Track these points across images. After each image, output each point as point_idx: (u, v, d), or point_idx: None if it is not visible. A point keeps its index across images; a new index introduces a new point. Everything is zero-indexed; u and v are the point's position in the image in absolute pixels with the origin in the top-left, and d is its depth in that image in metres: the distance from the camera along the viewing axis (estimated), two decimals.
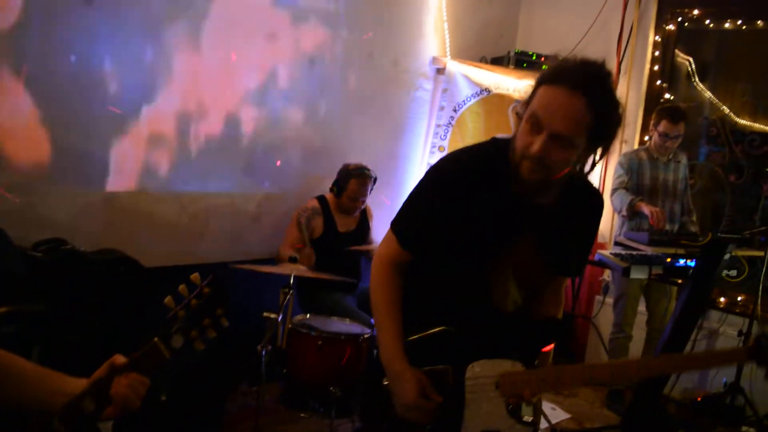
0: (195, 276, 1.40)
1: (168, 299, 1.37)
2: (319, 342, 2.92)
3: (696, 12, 4.71)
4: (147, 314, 3.28)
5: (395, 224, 1.79)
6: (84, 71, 3.11)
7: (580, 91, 1.50)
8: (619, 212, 4.17)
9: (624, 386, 4.21)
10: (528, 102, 1.58)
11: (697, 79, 4.70)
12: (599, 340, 4.67)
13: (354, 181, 3.75)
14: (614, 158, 4.42)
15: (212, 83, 3.61)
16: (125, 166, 3.36)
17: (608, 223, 4.92)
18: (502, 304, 1.78)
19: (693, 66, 4.72)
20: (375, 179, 3.87)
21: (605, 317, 4.61)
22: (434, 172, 1.75)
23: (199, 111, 3.59)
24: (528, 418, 1.68)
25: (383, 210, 4.31)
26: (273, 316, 2.83)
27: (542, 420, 3.44)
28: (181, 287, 1.38)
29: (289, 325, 2.97)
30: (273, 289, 3.06)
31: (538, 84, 1.57)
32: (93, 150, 3.24)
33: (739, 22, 4.54)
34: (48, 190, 3.11)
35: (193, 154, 3.61)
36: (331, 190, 3.84)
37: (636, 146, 4.79)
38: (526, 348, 1.76)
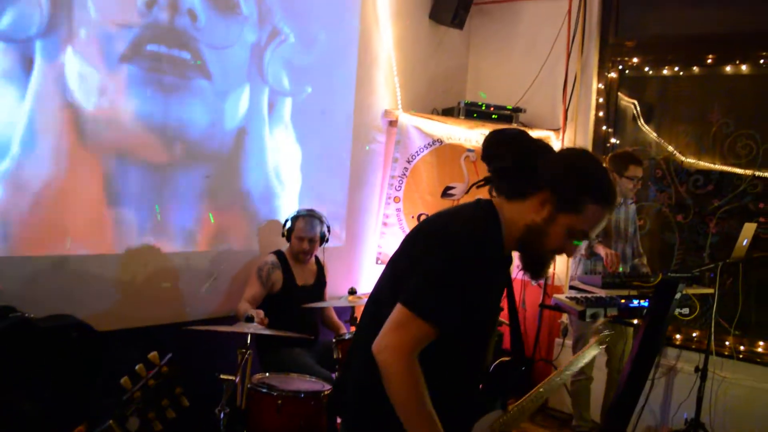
0: (153, 355, 1.36)
1: (124, 380, 1.32)
2: (279, 401, 2.88)
3: (635, 60, 4.93)
4: (101, 379, 3.20)
5: (425, 309, 1.59)
6: None
7: None
8: (579, 251, 4.25)
9: (588, 428, 4.23)
10: (567, 210, 1.63)
11: (642, 121, 4.88)
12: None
13: (301, 219, 3.78)
14: None
15: None
16: (75, 229, 3.32)
17: (564, 266, 5.01)
18: (488, 364, 1.87)
19: (638, 108, 4.90)
20: (328, 227, 3.90)
21: (566, 359, 4.65)
22: (460, 250, 1.63)
23: (151, 171, 3.58)
24: None
25: (339, 259, 4.32)
26: (230, 377, 2.79)
27: None
28: (139, 367, 1.34)
29: (248, 385, 2.93)
30: (231, 347, 3.02)
31: (586, 199, 1.63)
32: (40, 213, 3.19)
33: (676, 68, 4.76)
34: None
35: (146, 214, 3.58)
36: (283, 235, 3.84)
37: None
38: (502, 395, 1.91)
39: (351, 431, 1.81)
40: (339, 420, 1.94)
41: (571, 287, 3.88)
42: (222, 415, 2.80)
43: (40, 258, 3.20)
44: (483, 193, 1.82)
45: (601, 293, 3.63)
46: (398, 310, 1.60)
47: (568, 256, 1.72)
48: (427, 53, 5.30)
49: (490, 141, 1.72)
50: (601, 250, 4.03)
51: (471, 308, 1.64)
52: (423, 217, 4.83)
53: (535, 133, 4.90)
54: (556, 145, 5.09)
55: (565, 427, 4.51)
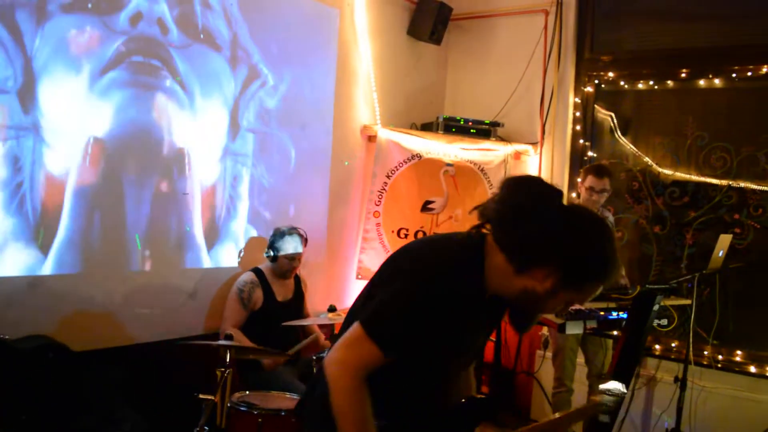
0: None
1: None
2: (260, 419, 2.86)
3: (611, 74, 5.00)
4: (78, 399, 3.16)
5: (376, 330, 1.57)
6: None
7: None
8: None
9: None
10: (569, 287, 1.57)
11: (619, 133, 4.94)
12: (543, 394, 4.73)
13: (287, 238, 3.77)
14: None
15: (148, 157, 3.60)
16: (50, 247, 3.28)
17: None
18: (454, 399, 1.82)
19: (615, 121, 4.97)
20: (306, 239, 3.91)
21: (547, 372, 4.67)
22: (423, 277, 1.60)
23: (133, 185, 3.56)
24: None
25: (320, 274, 4.32)
26: (209, 397, 2.76)
27: None
28: None
29: (228, 404, 2.90)
30: (211, 366, 3.00)
31: (592, 281, 1.59)
32: (14, 231, 3.16)
33: (651, 82, 4.84)
34: None
35: (124, 233, 3.56)
36: (267, 255, 3.83)
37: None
38: (473, 426, 1.83)
39: None
40: None
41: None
42: None
43: (16, 278, 3.16)
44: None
45: (581, 306, 3.66)
46: (354, 328, 1.60)
47: (556, 317, 1.74)
48: (406, 69, 5.34)
49: (505, 205, 1.58)
50: None
51: (430, 342, 1.61)
52: (403, 232, 4.89)
53: (513, 147, 5.01)
54: (534, 160, 5.14)
55: None
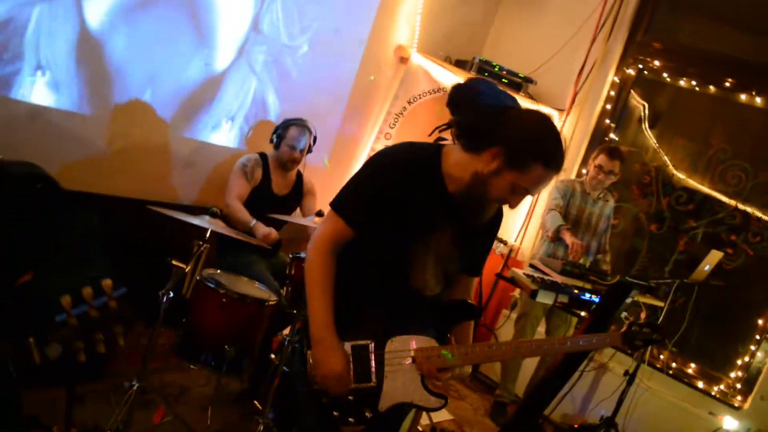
0: (107, 283, 1.25)
1: (65, 299, 1.19)
2: (224, 300, 2.90)
3: (657, 63, 4.88)
4: (55, 236, 3.20)
5: (340, 205, 1.89)
6: None
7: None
8: (546, 232, 4.30)
9: (509, 400, 4.37)
10: (513, 167, 1.76)
11: (647, 125, 4.87)
12: None
13: (293, 128, 3.75)
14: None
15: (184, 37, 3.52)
16: (58, 83, 3.24)
17: (529, 242, 5.07)
18: (420, 288, 1.96)
19: (646, 111, 4.89)
20: (315, 137, 3.88)
21: (507, 331, 4.77)
22: (380, 163, 1.88)
23: (165, 51, 3.51)
24: (439, 392, 1.92)
25: (317, 181, 4.30)
26: (181, 265, 2.80)
27: (423, 415, 3.55)
28: (86, 291, 1.22)
29: (197, 277, 2.95)
30: (191, 236, 3.02)
31: (533, 160, 1.75)
32: (28, 60, 3.11)
33: (694, 82, 4.73)
34: None
35: (137, 85, 3.51)
36: (271, 141, 3.81)
37: (573, 176, 4.95)
38: (441, 326, 1.98)
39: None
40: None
41: (531, 265, 3.94)
42: (165, 299, 2.82)
43: (20, 103, 3.13)
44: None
45: (558, 278, 3.69)
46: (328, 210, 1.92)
47: (510, 207, 1.87)
48: (456, 0, 5.17)
49: (458, 92, 1.83)
50: (568, 238, 4.08)
51: (382, 214, 1.83)
52: None
53: (540, 108, 4.93)
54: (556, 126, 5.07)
55: (488, 394, 4.65)
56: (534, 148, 1.75)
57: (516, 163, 1.75)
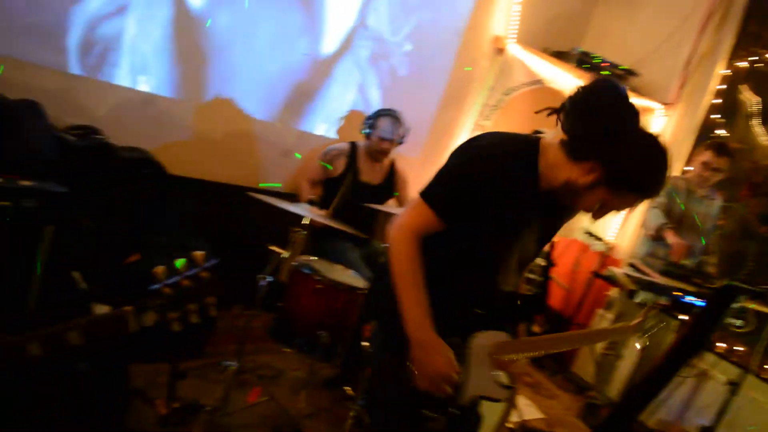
0: (199, 254, 1.27)
1: (160, 270, 1.23)
2: (319, 286, 2.95)
3: None
4: (161, 219, 3.35)
5: (430, 195, 1.79)
6: None
7: None
8: (647, 230, 4.13)
9: (602, 403, 4.24)
10: (608, 187, 1.70)
11: (759, 121, 4.59)
12: (590, 352, 4.69)
13: (384, 118, 3.75)
14: None
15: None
16: (167, 73, 3.38)
17: (629, 241, 4.89)
18: (501, 283, 1.92)
19: (758, 107, 4.60)
20: (407, 128, 3.87)
21: None
22: (474, 153, 1.78)
23: (265, 39, 3.59)
24: (507, 382, 1.91)
25: (409, 170, 4.31)
26: (279, 250, 2.87)
27: (514, 414, 3.50)
28: (180, 262, 1.25)
29: (294, 263, 3.01)
30: (287, 223, 3.09)
31: (630, 190, 1.71)
32: (144, 51, 3.26)
33: None
34: (94, 81, 3.14)
35: (238, 76, 3.62)
36: (362, 131, 3.84)
37: (677, 173, 4.73)
38: (513, 320, 2.00)
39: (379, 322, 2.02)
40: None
41: (631, 264, 3.80)
42: (262, 283, 2.90)
43: (131, 91, 3.29)
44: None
45: (658, 279, 3.55)
46: (413, 198, 1.83)
47: (594, 219, 1.81)
48: None
49: (582, 95, 1.70)
50: (670, 238, 3.90)
51: (479, 211, 1.74)
52: None
53: (642, 102, 4.74)
54: (660, 121, 4.87)
55: (580, 395, 4.53)
56: (635, 181, 1.70)
57: (612, 186, 1.70)
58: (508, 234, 1.83)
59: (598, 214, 1.78)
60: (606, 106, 1.66)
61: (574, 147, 1.71)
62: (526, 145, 1.79)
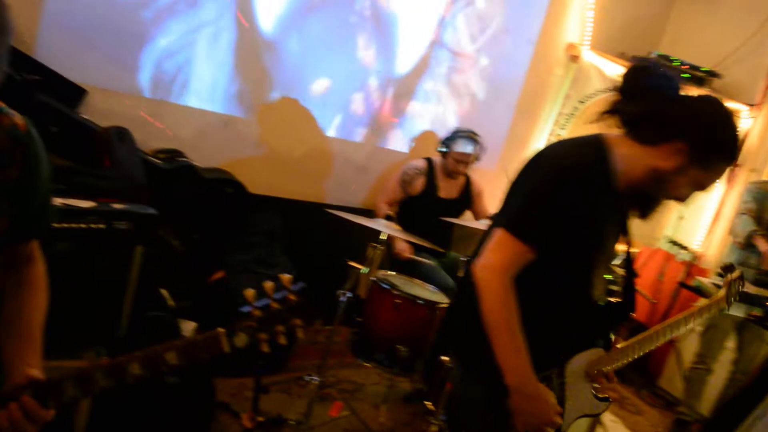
0: (287, 277, 1.31)
1: (250, 293, 1.28)
2: (397, 300, 2.97)
3: None
4: (243, 237, 3.45)
5: (518, 226, 1.62)
6: None
7: None
8: (735, 237, 3.95)
9: (693, 419, 4.07)
10: (697, 164, 1.63)
11: None
12: (678, 365, 4.51)
13: (460, 139, 3.77)
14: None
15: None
16: (247, 96, 3.50)
17: (716, 249, 4.69)
18: (595, 298, 1.84)
19: None
20: (483, 147, 3.86)
21: (689, 345, 4.43)
22: (549, 171, 1.66)
23: (334, 58, 3.69)
24: (604, 395, 1.88)
25: (486, 183, 4.29)
26: (358, 266, 2.91)
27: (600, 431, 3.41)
28: (268, 285, 1.29)
29: (372, 278, 3.04)
30: (364, 238, 3.14)
31: (720, 159, 1.64)
32: (220, 74, 3.38)
33: None
34: (175, 105, 3.28)
35: (314, 97, 3.71)
36: (439, 150, 3.87)
37: (766, 177, 4.51)
38: (605, 331, 1.90)
39: (459, 354, 1.88)
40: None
41: (720, 274, 3.64)
42: (342, 299, 2.95)
43: (213, 114, 3.42)
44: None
45: (750, 289, 3.39)
46: (497, 232, 1.64)
47: (681, 202, 1.73)
48: None
49: (631, 78, 1.67)
50: (762, 245, 3.72)
51: (570, 231, 1.62)
52: None
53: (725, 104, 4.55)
54: (745, 123, 4.67)
55: (668, 411, 4.36)
56: (722, 147, 1.63)
57: (701, 161, 1.62)
58: (598, 245, 1.75)
59: (687, 195, 1.70)
60: (661, 80, 1.62)
61: (644, 131, 1.64)
62: (595, 148, 1.68)
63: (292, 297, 1.30)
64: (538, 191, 1.65)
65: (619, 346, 1.89)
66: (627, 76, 1.68)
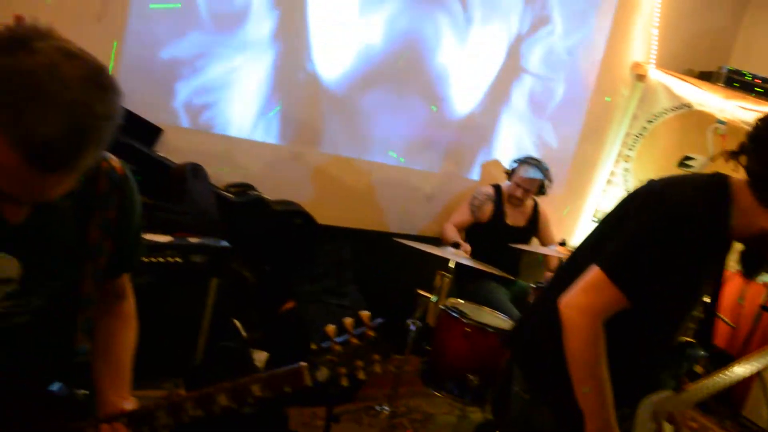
0: (365, 314, 1.36)
1: (330, 328, 1.34)
2: (467, 329, 2.94)
3: None
4: (313, 267, 3.51)
5: (618, 273, 1.52)
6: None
7: None
8: None
9: None
10: None
11: None
12: (762, 395, 4.30)
13: (525, 166, 3.77)
14: None
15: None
16: (314, 128, 3.58)
17: None
18: (680, 339, 1.79)
19: None
20: (550, 180, 3.84)
21: None
22: (668, 216, 1.52)
23: (396, 90, 3.74)
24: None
25: (553, 208, 4.24)
26: (427, 295, 2.91)
27: None
28: (348, 321, 1.34)
29: (441, 306, 3.03)
30: (431, 266, 3.13)
31: None
32: (289, 111, 3.48)
33: None
34: (245, 140, 3.39)
35: (379, 128, 3.76)
36: (506, 173, 3.88)
37: None
38: (678, 369, 1.80)
39: (525, 378, 1.81)
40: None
41: None
42: (413, 327, 2.95)
43: (281, 147, 3.51)
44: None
45: None
46: (594, 271, 1.54)
47: None
48: (695, 7, 4.79)
49: (764, 128, 1.50)
50: None
51: (672, 283, 1.54)
52: None
53: None
54: None
55: None
56: None
57: None
58: (697, 294, 1.67)
59: None
60: None
61: (763, 194, 1.50)
62: (718, 195, 1.54)
63: (371, 333, 1.34)
64: (648, 235, 1.53)
65: (689, 387, 1.80)
66: (761, 125, 1.51)
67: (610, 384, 1.54)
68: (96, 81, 0.98)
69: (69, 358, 1.34)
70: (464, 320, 2.96)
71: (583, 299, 1.54)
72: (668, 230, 1.50)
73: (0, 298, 1.21)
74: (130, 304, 1.49)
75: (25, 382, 1.32)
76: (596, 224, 1.79)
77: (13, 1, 2.67)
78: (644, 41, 4.61)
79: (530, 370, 1.79)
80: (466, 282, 3.63)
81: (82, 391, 1.36)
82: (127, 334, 1.46)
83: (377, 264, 3.77)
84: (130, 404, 1.34)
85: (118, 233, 1.33)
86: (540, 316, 1.79)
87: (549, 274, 3.92)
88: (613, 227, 1.64)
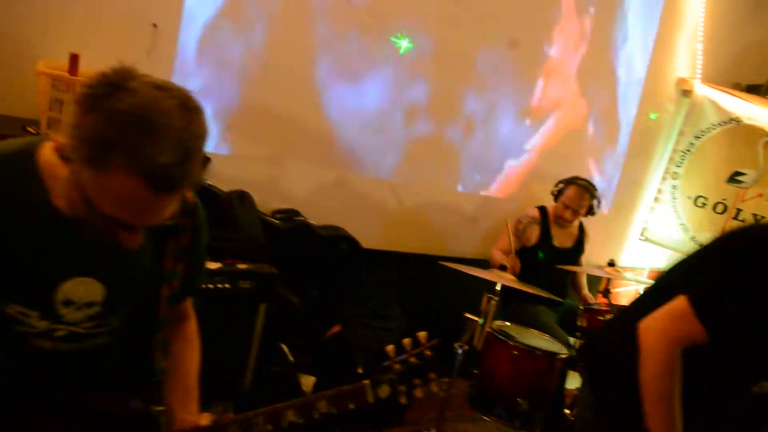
0: (422, 334, 1.42)
1: (390, 348, 1.41)
2: (515, 352, 2.91)
3: None
4: (358, 291, 3.53)
5: (705, 310, 1.52)
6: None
7: None
8: None
9: None
10: None
11: None
12: None
13: (573, 187, 3.70)
14: None
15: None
16: (359, 153, 3.62)
17: None
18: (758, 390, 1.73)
19: None
20: (599, 200, 3.78)
21: None
22: (763, 265, 1.53)
23: (438, 111, 3.76)
24: None
25: (600, 227, 4.17)
26: (474, 318, 2.89)
27: None
28: (406, 341, 1.41)
29: (488, 329, 3.00)
30: (476, 289, 3.12)
31: None
32: (332, 136, 3.53)
33: None
34: (291, 167, 3.44)
35: (422, 151, 3.78)
36: (553, 194, 3.83)
37: None
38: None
39: (596, 397, 1.81)
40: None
41: None
42: (460, 351, 2.93)
43: (327, 173, 3.56)
44: None
45: None
46: (680, 300, 1.55)
47: None
48: (740, 19, 4.72)
49: None
50: None
51: (757, 324, 1.52)
52: (701, 201, 4.48)
53: None
54: None
55: None
56: None
57: None
58: None
59: None
60: None
61: None
62: None
63: (428, 353, 1.40)
64: (738, 277, 1.54)
65: None
66: None
67: (680, 414, 1.54)
68: (187, 106, 1.09)
69: (148, 377, 1.42)
70: (512, 343, 2.93)
71: (665, 325, 1.58)
72: (759, 276, 1.51)
73: (84, 319, 1.29)
74: (193, 326, 1.57)
75: (106, 399, 1.39)
76: (690, 254, 1.79)
77: (69, 33, 2.78)
78: (689, 56, 4.56)
79: (600, 388, 1.80)
80: (514, 305, 3.60)
81: (158, 408, 1.42)
82: (192, 354, 1.53)
83: (423, 287, 3.77)
84: (204, 420, 1.41)
85: (189, 258, 1.40)
86: (616, 336, 1.79)
87: (586, 294, 3.89)
88: (707, 263, 1.66)
